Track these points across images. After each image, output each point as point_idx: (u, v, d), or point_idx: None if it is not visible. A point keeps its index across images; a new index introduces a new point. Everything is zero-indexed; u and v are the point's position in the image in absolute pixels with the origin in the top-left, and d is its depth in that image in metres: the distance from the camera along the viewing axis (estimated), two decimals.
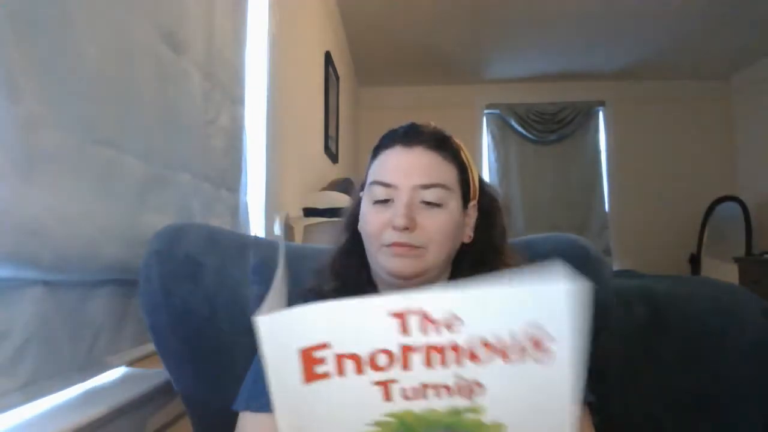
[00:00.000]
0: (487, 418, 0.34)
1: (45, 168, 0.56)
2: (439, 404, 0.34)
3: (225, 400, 0.58)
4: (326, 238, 0.69)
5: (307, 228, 1.73)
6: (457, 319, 0.31)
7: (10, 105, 0.51)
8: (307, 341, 0.33)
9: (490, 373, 0.32)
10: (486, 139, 4.04)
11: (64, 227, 0.58)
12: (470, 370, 0.33)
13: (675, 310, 0.81)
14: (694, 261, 3.67)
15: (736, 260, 3.21)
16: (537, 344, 0.31)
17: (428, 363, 0.32)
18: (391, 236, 0.54)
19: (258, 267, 0.76)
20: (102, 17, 0.67)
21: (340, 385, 0.33)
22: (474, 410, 0.34)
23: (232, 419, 0.56)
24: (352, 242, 0.63)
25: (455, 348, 0.32)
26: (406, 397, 0.34)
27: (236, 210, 1.18)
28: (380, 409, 0.34)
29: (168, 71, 0.85)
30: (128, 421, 0.72)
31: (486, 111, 4.04)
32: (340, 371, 0.33)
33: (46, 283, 0.59)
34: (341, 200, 1.60)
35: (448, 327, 0.31)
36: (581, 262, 0.76)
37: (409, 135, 0.58)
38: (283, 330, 0.33)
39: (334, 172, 2.72)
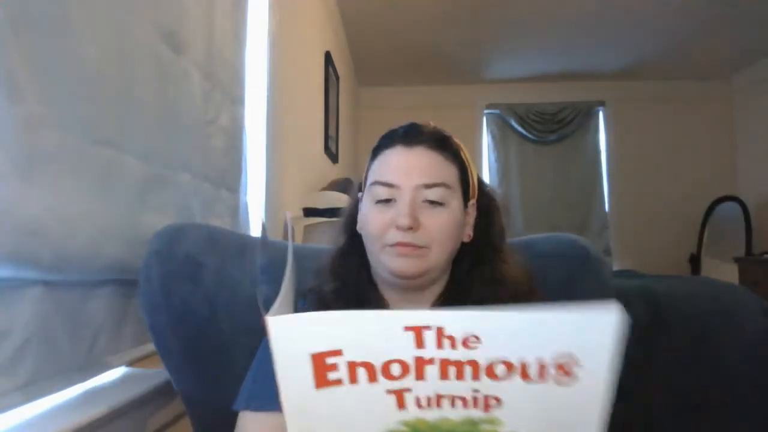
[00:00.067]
0: (504, 429, 0.33)
1: (45, 168, 0.56)
2: (453, 414, 0.33)
3: (225, 400, 0.58)
4: (326, 238, 0.69)
5: (307, 228, 1.73)
6: (475, 338, 0.31)
7: (10, 105, 0.51)
8: (319, 346, 0.32)
9: (510, 389, 0.32)
10: (486, 139, 4.04)
11: (64, 227, 0.58)
12: (488, 386, 0.32)
13: (675, 310, 0.81)
14: (694, 261, 3.67)
15: (736, 260, 3.21)
16: (561, 368, 0.31)
17: (444, 375, 0.32)
18: (395, 236, 0.54)
19: (266, 267, 0.76)
20: (102, 17, 0.67)
21: (352, 393, 0.33)
22: (491, 421, 0.33)
23: (232, 419, 0.56)
24: (351, 243, 0.63)
25: (472, 363, 0.31)
26: (420, 406, 0.33)
27: (236, 210, 1.18)
28: (393, 417, 0.34)
29: (168, 71, 0.85)
30: (128, 421, 0.72)
31: (486, 111, 4.04)
32: (353, 379, 0.32)
33: (46, 283, 0.59)
34: (341, 200, 1.60)
35: (465, 344, 0.31)
36: (581, 262, 0.76)
37: (410, 135, 0.58)
38: (294, 333, 0.32)
39: (334, 172, 2.72)
